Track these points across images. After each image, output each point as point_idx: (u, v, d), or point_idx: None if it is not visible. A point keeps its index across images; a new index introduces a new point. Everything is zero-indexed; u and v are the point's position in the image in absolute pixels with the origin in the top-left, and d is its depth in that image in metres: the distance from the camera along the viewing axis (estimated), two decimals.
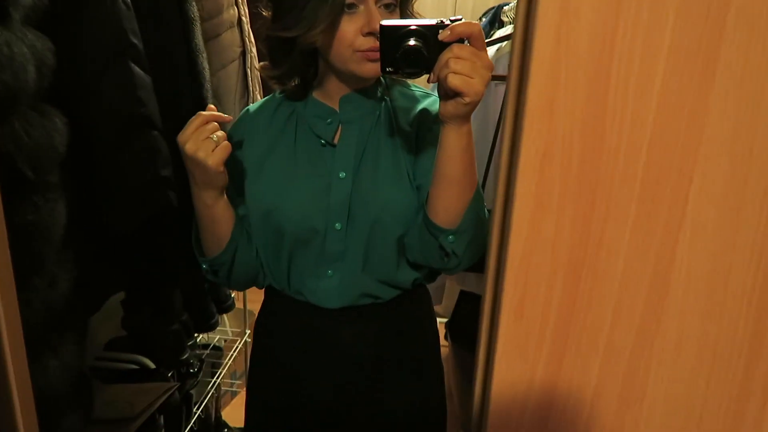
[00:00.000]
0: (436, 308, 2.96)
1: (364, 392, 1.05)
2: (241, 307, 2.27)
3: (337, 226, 0.97)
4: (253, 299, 1.59)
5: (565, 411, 0.50)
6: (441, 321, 3.04)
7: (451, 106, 0.78)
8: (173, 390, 1.35)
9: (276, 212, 0.98)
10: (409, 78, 0.87)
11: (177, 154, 0.92)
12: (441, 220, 0.89)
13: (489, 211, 0.98)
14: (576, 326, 0.47)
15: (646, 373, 0.48)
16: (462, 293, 2.25)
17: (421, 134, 0.99)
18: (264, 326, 1.13)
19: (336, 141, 0.99)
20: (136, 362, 1.53)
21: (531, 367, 0.50)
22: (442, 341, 2.99)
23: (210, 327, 1.77)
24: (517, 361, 0.50)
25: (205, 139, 0.86)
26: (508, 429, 0.52)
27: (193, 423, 1.78)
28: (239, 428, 2.26)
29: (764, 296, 0.46)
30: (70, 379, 0.89)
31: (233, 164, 0.99)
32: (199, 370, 1.76)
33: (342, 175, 0.97)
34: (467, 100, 0.75)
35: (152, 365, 1.50)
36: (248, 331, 2.22)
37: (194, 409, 1.79)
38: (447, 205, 0.88)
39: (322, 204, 0.97)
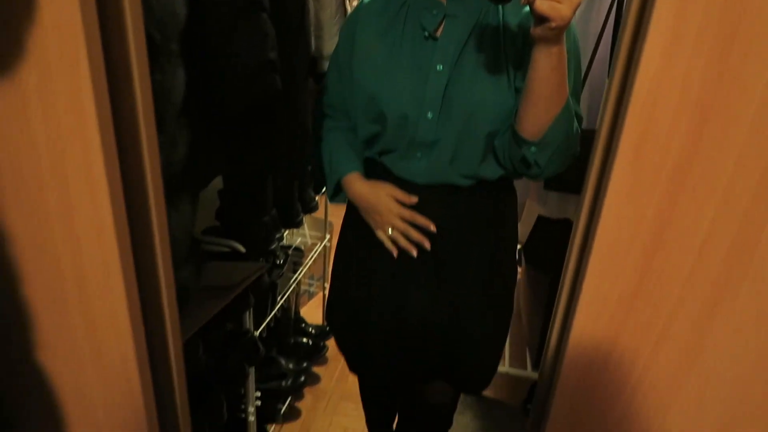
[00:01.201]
0: None
1: (441, 259, 1.12)
2: (322, 216, 2.38)
3: (429, 115, 1.01)
4: (334, 212, 1.67)
5: None
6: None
7: (540, 29, 0.80)
8: (264, 270, 1.47)
9: (377, 98, 1.04)
10: (500, 3, 0.85)
11: (279, 39, 1.00)
12: (526, 132, 0.93)
13: (580, 122, 1.00)
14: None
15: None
16: (539, 219, 2.24)
17: (529, 39, 0.98)
18: (352, 210, 1.21)
19: (438, 35, 1.01)
20: (229, 246, 1.66)
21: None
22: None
23: (295, 224, 1.89)
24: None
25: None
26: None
27: (276, 311, 1.94)
28: (315, 324, 2.44)
29: None
30: (185, 235, 1.00)
31: (345, 53, 1.08)
32: (284, 263, 1.90)
33: (439, 67, 1.00)
34: (554, 24, 0.77)
35: (243, 249, 1.63)
36: (328, 236, 2.34)
37: (278, 299, 1.94)
38: (533, 120, 0.91)
39: (417, 94, 1.01)
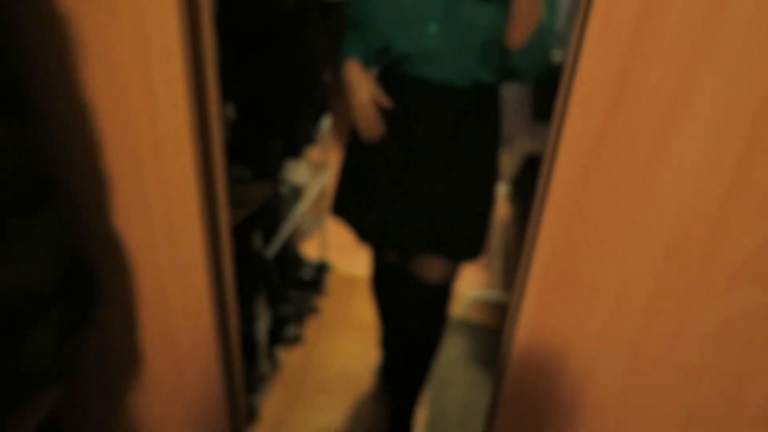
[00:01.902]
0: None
1: (440, 149, 1.35)
2: (320, 157, 2.53)
3: (433, 27, 1.22)
4: (334, 155, 1.80)
5: None
6: (503, 187, 3.23)
7: None
8: (274, 192, 1.63)
9: (387, 11, 1.26)
10: None
11: None
12: (510, 44, 1.17)
13: (554, 36, 1.19)
14: None
15: None
16: (528, 158, 2.42)
17: None
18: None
19: None
20: (235, 173, 1.81)
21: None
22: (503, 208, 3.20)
23: (298, 153, 2.03)
24: None
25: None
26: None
27: (276, 246, 2.10)
28: (314, 260, 2.61)
29: None
30: None
31: None
32: (289, 193, 2.05)
33: None
34: None
35: (250, 175, 1.78)
36: (328, 172, 2.49)
37: (281, 229, 2.10)
38: (515, 34, 1.14)
39: (423, 8, 1.22)
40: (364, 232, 1.53)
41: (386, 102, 1.33)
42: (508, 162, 2.94)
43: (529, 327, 0.84)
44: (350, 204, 1.54)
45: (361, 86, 1.34)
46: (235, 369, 1.06)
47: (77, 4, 0.74)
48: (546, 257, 0.78)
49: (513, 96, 2.28)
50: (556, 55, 1.91)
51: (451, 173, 1.37)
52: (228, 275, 0.97)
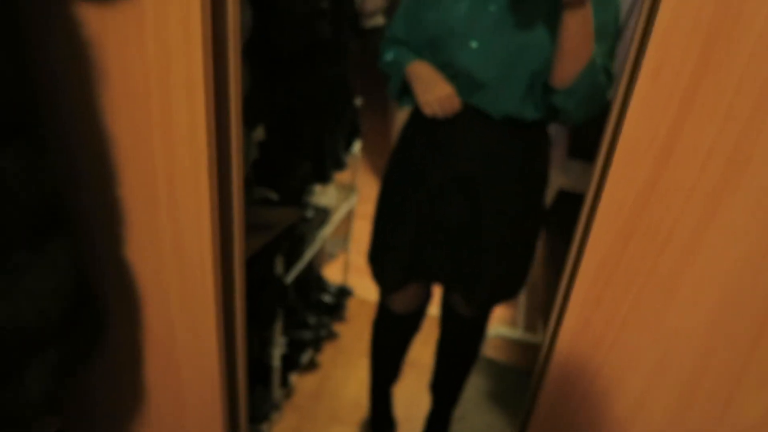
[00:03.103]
0: None
1: (472, 185, 1.29)
2: (348, 180, 2.50)
3: (473, 44, 1.16)
4: (361, 177, 1.78)
5: None
6: None
7: None
8: (299, 217, 1.60)
9: (434, 24, 1.20)
10: None
11: None
12: (555, 81, 1.10)
13: (611, 78, 1.11)
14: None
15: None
16: (561, 192, 2.35)
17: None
18: (408, 128, 1.39)
19: None
20: (262, 195, 1.79)
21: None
22: None
23: (326, 179, 2.01)
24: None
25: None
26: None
27: (298, 270, 2.07)
28: (336, 284, 2.58)
29: None
30: None
31: None
32: (313, 217, 2.03)
33: (491, 8, 1.15)
34: None
35: (276, 198, 1.76)
36: (355, 196, 2.46)
37: (305, 253, 2.07)
38: (561, 71, 1.07)
39: (466, 25, 1.17)
40: (385, 269, 1.50)
41: (457, 103, 1.24)
42: None
43: (554, 394, 0.78)
44: (378, 245, 1.50)
45: (437, 79, 1.23)
46: (239, 407, 1.03)
47: (103, 32, 0.72)
48: (575, 322, 0.73)
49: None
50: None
51: (489, 211, 1.31)
52: (239, 310, 0.93)
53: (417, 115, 1.35)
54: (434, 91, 1.22)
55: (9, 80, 0.60)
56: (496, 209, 1.30)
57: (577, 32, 1.02)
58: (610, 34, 1.12)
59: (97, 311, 0.81)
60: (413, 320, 1.68)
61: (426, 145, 1.33)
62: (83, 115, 0.77)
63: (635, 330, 0.71)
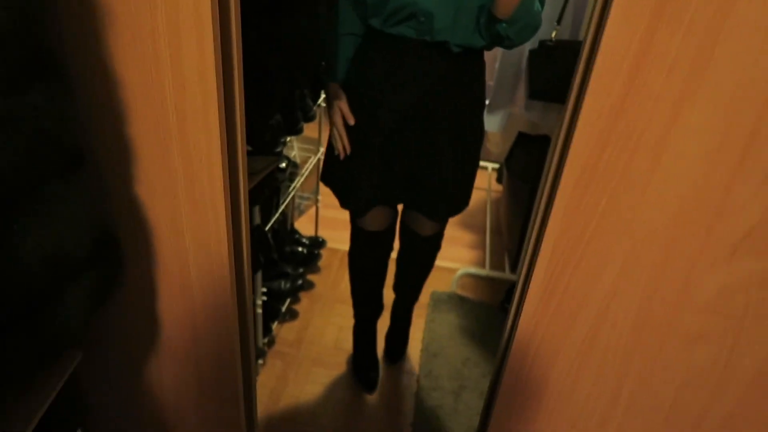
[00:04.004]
0: (492, 148, 3.24)
1: (426, 111, 1.44)
2: (312, 134, 2.54)
3: None
4: (326, 129, 1.83)
5: None
6: (494, 166, 3.28)
7: None
8: (276, 164, 1.65)
9: None
10: None
11: None
12: (498, 12, 1.24)
13: (542, 4, 1.24)
14: None
15: None
16: (520, 135, 2.48)
17: None
18: (360, 59, 1.51)
19: None
20: None
21: None
22: (494, 185, 3.26)
23: (296, 131, 2.05)
24: None
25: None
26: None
27: (274, 221, 2.13)
28: (309, 236, 2.65)
29: None
30: None
31: None
32: (286, 168, 2.07)
33: None
34: None
35: (250, 149, 1.80)
36: (321, 149, 2.50)
37: (280, 203, 2.13)
38: (503, 2, 1.21)
39: None
40: (354, 195, 1.63)
41: (352, 120, 1.50)
42: (500, 140, 2.99)
43: (540, 290, 0.90)
44: (340, 170, 1.63)
45: (335, 109, 1.53)
46: (249, 339, 1.10)
47: None
48: (559, 225, 0.83)
49: (508, 75, 2.32)
50: (549, 32, 1.95)
51: (442, 133, 1.47)
52: (246, 244, 1.00)
53: (375, 48, 1.45)
54: (331, 124, 1.55)
55: (32, 21, 0.63)
56: (450, 129, 1.47)
57: None
58: None
59: (117, 244, 0.86)
60: (385, 236, 1.83)
61: (384, 77, 1.45)
62: (92, 58, 0.80)
63: (611, 225, 0.83)
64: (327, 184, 1.73)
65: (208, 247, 0.94)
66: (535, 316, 0.94)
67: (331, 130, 1.59)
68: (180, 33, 0.77)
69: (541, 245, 0.87)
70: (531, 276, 0.91)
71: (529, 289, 0.92)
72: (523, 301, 0.92)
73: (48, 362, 0.79)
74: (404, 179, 1.55)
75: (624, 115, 0.74)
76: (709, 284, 0.84)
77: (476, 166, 1.64)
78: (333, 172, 1.68)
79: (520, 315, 0.95)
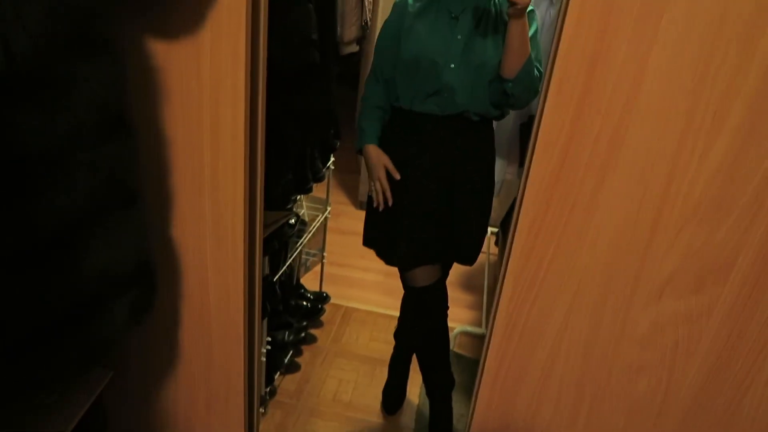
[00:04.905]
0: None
1: (451, 172, 1.69)
2: (319, 194, 2.78)
3: (452, 65, 1.60)
4: (334, 190, 2.05)
5: None
6: (493, 230, 3.49)
7: (512, 9, 1.43)
8: (289, 218, 1.88)
9: (418, 55, 1.62)
10: None
11: (320, 22, 1.44)
12: (505, 73, 1.56)
13: (541, 73, 1.52)
14: None
15: None
16: (514, 202, 2.70)
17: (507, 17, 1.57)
18: (390, 131, 1.78)
19: (459, 16, 1.62)
20: None
21: None
22: (493, 248, 3.44)
23: (306, 190, 2.29)
24: None
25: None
26: None
27: (281, 273, 2.33)
28: (313, 291, 2.83)
29: None
30: None
31: (394, 27, 1.68)
32: (296, 224, 2.30)
33: (459, 37, 1.61)
34: (519, 6, 1.39)
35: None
36: (329, 208, 2.74)
37: (288, 258, 2.33)
38: (509, 65, 1.54)
39: (444, 52, 1.60)
40: (397, 251, 1.83)
41: (397, 175, 1.72)
42: (498, 206, 3.22)
43: (503, 324, 1.09)
44: (380, 231, 1.86)
45: (379, 165, 1.74)
46: (255, 364, 1.29)
47: (168, 61, 1.01)
48: (516, 265, 1.04)
49: (503, 145, 2.58)
50: (536, 106, 2.21)
51: (465, 192, 1.72)
52: (258, 283, 1.21)
53: (402, 124, 1.74)
54: (372, 181, 1.75)
55: (120, 91, 0.88)
56: (472, 189, 1.73)
57: (519, 34, 1.48)
58: (536, 41, 1.60)
59: (153, 271, 1.07)
60: (435, 291, 1.94)
61: (414, 145, 1.71)
62: (149, 122, 1.05)
63: (557, 269, 1.03)
64: (370, 246, 1.95)
65: (227, 281, 1.15)
66: (500, 349, 1.12)
67: (371, 187, 1.80)
68: (219, 105, 1.02)
69: (502, 289, 1.07)
70: (498, 308, 1.10)
71: (495, 324, 1.11)
72: (493, 328, 1.11)
73: (88, 368, 0.98)
74: (440, 236, 1.78)
75: (562, 178, 0.97)
76: (643, 321, 1.03)
77: (489, 215, 1.88)
78: (374, 234, 1.91)
79: (488, 350, 1.14)
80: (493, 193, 1.86)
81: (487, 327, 2.80)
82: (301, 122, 1.73)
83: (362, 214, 1.98)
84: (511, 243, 1.07)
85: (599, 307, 1.04)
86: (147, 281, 1.02)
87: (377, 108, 1.80)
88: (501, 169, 2.57)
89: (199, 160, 1.06)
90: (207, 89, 1.01)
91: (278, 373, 2.47)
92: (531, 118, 2.26)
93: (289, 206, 2.15)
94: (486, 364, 1.13)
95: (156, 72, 1.01)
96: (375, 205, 1.77)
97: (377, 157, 1.76)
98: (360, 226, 1.97)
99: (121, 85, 0.88)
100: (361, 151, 1.82)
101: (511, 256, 1.03)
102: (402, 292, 2.00)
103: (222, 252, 1.13)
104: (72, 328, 0.89)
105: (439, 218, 1.76)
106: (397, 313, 2.18)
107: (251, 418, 1.32)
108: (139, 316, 1.01)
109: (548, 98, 0.92)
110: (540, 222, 1.01)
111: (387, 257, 1.90)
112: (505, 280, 1.06)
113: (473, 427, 1.20)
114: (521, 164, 2.26)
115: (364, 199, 4.08)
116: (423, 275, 1.87)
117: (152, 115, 1.04)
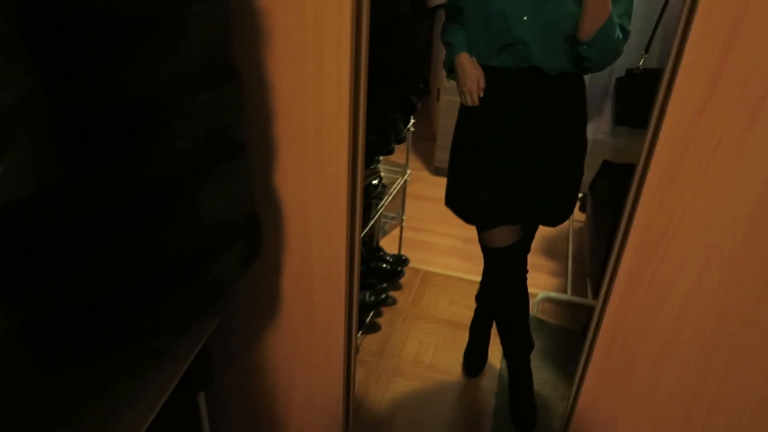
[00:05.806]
0: None
1: (532, 129, 1.60)
2: (399, 159, 2.73)
3: (525, 18, 1.49)
4: (412, 155, 1.99)
5: None
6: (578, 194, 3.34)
7: None
8: (375, 176, 1.84)
9: (488, 4, 1.52)
10: None
11: None
12: (581, 35, 1.42)
13: (626, 35, 1.37)
14: None
15: None
16: (604, 163, 2.55)
17: None
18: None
19: None
20: None
21: None
22: (578, 214, 3.32)
23: (388, 151, 2.25)
24: None
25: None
26: None
27: (364, 233, 2.31)
28: (392, 254, 2.81)
29: None
30: None
31: None
32: (378, 184, 2.26)
33: None
34: None
35: None
36: (408, 171, 2.69)
37: (370, 218, 2.31)
38: (586, 26, 1.40)
39: (514, 3, 1.49)
40: (476, 210, 1.76)
41: (483, 83, 1.61)
42: (585, 169, 3.05)
43: (624, 283, 1.00)
44: (460, 190, 1.78)
45: (473, 74, 1.61)
46: (353, 323, 1.27)
47: (271, 4, 0.97)
48: (644, 219, 0.94)
49: (595, 102, 2.42)
50: (637, 60, 2.05)
51: (549, 149, 1.61)
52: (358, 234, 1.17)
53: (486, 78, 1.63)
54: (466, 83, 1.61)
55: (228, 34, 0.85)
56: (557, 145, 1.62)
57: None
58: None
59: (259, 221, 1.05)
60: (513, 253, 1.86)
61: (494, 101, 1.62)
62: (253, 69, 1.02)
63: (693, 221, 0.93)
64: (450, 205, 1.86)
65: (330, 236, 1.12)
66: (619, 311, 1.04)
67: (462, 89, 1.66)
68: (323, 52, 0.97)
69: (627, 242, 0.98)
70: (616, 273, 1.01)
71: (615, 283, 1.02)
72: (611, 291, 1.02)
73: (201, 313, 0.98)
74: (520, 196, 1.69)
75: (704, 119, 0.86)
76: None
77: (581, 177, 1.77)
78: (454, 194, 1.83)
79: (605, 311, 1.05)
80: (584, 153, 1.73)
81: (570, 293, 2.70)
82: (385, 78, 1.67)
83: (438, 180, 1.91)
84: (637, 191, 0.97)
85: (739, 261, 0.93)
86: (254, 230, 1.01)
87: (461, 25, 1.68)
88: (591, 128, 2.42)
89: (302, 111, 1.02)
90: (310, 34, 0.96)
91: (360, 332, 2.48)
92: (629, 72, 2.09)
93: (372, 166, 2.12)
94: (602, 326, 1.05)
95: (259, 15, 0.97)
96: (470, 103, 1.64)
97: (473, 65, 1.61)
98: (436, 192, 1.90)
99: (228, 26, 0.84)
100: (452, 69, 1.69)
101: (639, 206, 0.94)
102: (481, 257, 1.94)
103: (324, 204, 1.10)
104: (188, 273, 0.89)
105: (519, 177, 1.66)
106: (478, 278, 2.12)
107: (348, 374, 1.31)
108: (246, 263, 1.00)
109: (696, 21, 0.81)
110: (676, 167, 0.90)
111: (466, 215, 1.82)
112: (630, 235, 0.96)
113: (582, 397, 1.13)
114: (616, 121, 2.11)
115: (440, 165, 4.00)
116: (500, 236, 1.80)
117: (255, 59, 1.01)
